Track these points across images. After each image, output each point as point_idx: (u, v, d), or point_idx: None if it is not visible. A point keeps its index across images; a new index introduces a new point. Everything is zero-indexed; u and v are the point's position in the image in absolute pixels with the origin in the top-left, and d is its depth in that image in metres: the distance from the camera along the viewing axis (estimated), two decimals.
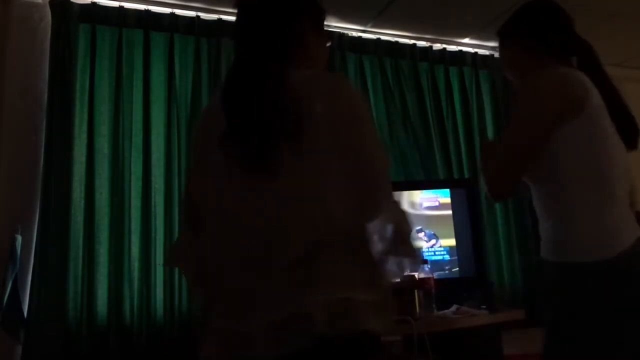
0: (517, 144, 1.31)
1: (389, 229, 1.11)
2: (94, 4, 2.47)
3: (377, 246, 1.11)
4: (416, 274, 2.26)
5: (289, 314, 1.00)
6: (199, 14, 2.66)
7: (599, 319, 1.22)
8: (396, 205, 1.16)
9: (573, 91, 1.27)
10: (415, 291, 2.17)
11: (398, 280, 1.22)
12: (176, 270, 2.34)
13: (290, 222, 1.05)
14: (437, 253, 2.52)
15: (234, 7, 1.22)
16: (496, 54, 3.35)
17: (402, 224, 1.12)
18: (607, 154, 1.28)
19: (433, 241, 2.53)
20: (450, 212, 2.58)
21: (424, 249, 2.51)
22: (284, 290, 1.03)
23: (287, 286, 1.03)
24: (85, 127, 2.37)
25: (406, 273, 1.22)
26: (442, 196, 2.60)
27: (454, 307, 2.28)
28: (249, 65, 1.12)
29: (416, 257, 1.16)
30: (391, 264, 1.11)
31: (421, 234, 2.54)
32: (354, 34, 2.99)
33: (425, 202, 2.58)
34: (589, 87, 1.29)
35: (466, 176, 3.03)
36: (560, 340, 1.28)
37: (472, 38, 3.22)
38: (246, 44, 1.15)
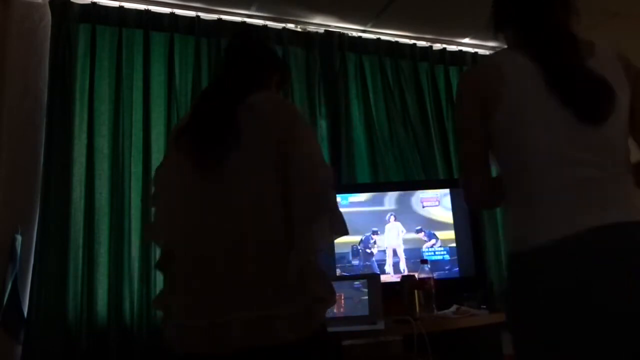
0: (461, 151, 1.38)
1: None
2: (93, 4, 2.47)
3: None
4: (416, 274, 2.27)
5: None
6: (199, 14, 2.66)
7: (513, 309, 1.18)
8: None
9: (484, 86, 1.21)
10: (415, 291, 2.17)
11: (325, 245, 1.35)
12: None
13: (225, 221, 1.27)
14: (437, 253, 2.52)
15: (225, 50, 1.60)
16: None
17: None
18: (528, 143, 1.16)
19: (433, 241, 2.53)
20: (450, 212, 2.58)
21: (423, 249, 2.51)
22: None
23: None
24: (85, 127, 2.38)
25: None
26: (442, 196, 2.60)
27: (454, 307, 2.28)
28: (223, 91, 1.42)
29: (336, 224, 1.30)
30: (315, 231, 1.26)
31: (421, 234, 2.54)
32: (354, 34, 2.99)
33: (425, 202, 2.58)
34: (505, 72, 1.18)
35: None
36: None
37: (472, 38, 3.22)
38: (225, 77, 1.49)
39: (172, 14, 2.62)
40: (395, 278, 2.39)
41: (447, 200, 2.59)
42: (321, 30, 2.91)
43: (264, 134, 1.30)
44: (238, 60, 1.51)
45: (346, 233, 1.32)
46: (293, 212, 1.26)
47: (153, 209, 1.50)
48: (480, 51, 3.30)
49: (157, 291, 2.31)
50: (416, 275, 2.27)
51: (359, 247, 2.49)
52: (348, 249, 2.48)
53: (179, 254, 1.32)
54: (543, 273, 1.09)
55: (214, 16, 2.68)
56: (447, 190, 2.61)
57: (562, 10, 1.26)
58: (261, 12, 2.75)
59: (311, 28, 2.90)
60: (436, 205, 2.59)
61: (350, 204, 2.54)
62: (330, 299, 1.32)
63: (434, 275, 2.30)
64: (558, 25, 1.23)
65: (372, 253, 2.50)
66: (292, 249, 1.24)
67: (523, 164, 1.18)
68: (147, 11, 2.56)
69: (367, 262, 2.49)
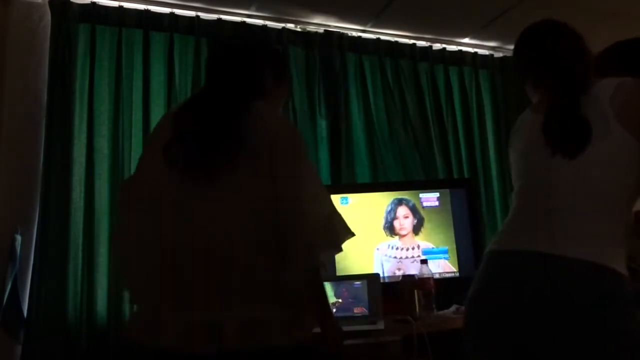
0: None
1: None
2: (93, 3, 2.47)
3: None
4: (416, 274, 2.27)
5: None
6: (199, 14, 2.66)
7: None
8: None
9: (510, 135, 1.52)
10: (415, 291, 2.17)
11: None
12: None
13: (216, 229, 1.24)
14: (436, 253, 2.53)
15: (210, 51, 1.53)
16: (496, 54, 3.36)
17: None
18: (517, 170, 1.40)
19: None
20: (450, 212, 2.58)
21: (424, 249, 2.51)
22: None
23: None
24: (85, 127, 2.37)
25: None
26: (442, 196, 2.60)
27: (454, 307, 2.28)
28: (217, 95, 1.37)
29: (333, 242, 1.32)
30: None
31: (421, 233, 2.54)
32: (354, 34, 2.99)
33: (425, 202, 2.58)
34: (517, 125, 1.48)
35: (466, 176, 3.03)
36: None
37: (472, 38, 3.22)
38: (216, 79, 1.42)
39: (172, 13, 2.62)
40: (395, 278, 2.39)
41: (447, 200, 2.59)
42: (321, 30, 2.91)
43: (262, 158, 1.28)
44: (240, 60, 1.45)
45: (351, 234, 1.34)
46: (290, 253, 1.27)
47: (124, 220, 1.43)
48: (480, 51, 3.30)
49: None
50: (416, 275, 2.27)
51: None
52: None
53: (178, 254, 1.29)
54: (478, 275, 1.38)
55: (214, 16, 2.68)
56: (447, 190, 2.61)
57: (567, 57, 1.39)
58: (261, 12, 2.75)
59: (311, 28, 2.90)
60: (436, 205, 2.59)
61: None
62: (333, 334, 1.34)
63: (434, 275, 2.31)
64: (560, 73, 1.36)
65: None
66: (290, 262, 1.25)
67: (515, 189, 1.41)
68: (147, 11, 2.56)
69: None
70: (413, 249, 2.52)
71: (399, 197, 2.57)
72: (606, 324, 1.13)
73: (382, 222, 2.53)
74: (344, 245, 1.34)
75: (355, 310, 2.13)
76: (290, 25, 2.85)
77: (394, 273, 2.46)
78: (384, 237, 2.51)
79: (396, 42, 3.06)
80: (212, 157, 1.26)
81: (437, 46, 3.19)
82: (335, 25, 2.92)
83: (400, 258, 2.50)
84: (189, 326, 1.19)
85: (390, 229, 2.53)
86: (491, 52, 3.34)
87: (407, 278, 2.26)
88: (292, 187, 1.28)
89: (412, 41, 3.10)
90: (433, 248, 2.52)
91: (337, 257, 2.33)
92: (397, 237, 2.52)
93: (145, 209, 1.33)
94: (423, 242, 2.53)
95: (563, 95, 1.30)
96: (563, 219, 1.22)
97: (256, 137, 1.28)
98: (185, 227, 1.26)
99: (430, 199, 2.59)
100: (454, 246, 2.54)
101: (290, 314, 1.25)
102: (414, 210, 2.55)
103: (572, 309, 1.15)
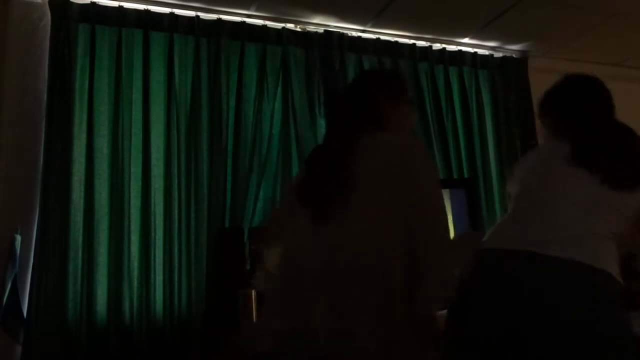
0: None
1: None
2: (93, 3, 2.47)
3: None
4: None
5: None
6: (199, 13, 2.66)
7: None
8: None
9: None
10: None
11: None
12: (175, 270, 2.36)
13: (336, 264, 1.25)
14: None
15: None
16: (495, 54, 3.36)
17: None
18: (520, 180, 1.46)
19: None
20: (450, 212, 2.58)
21: None
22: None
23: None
24: (84, 127, 2.37)
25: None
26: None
27: None
28: (331, 134, 1.44)
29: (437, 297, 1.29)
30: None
31: None
32: (354, 33, 2.99)
33: None
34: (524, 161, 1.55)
35: (466, 176, 3.03)
36: None
37: (471, 38, 3.22)
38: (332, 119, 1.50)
39: (172, 13, 2.62)
40: None
41: (447, 200, 2.59)
42: (321, 30, 2.91)
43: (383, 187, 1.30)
44: (350, 93, 1.48)
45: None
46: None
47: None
48: (480, 51, 3.30)
49: (157, 291, 2.32)
50: None
51: None
52: None
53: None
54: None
55: (214, 16, 2.68)
56: (447, 190, 2.61)
57: (584, 103, 1.46)
58: (261, 12, 2.75)
59: (311, 28, 2.90)
60: None
61: None
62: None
63: None
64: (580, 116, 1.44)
65: None
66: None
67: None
68: (147, 11, 2.56)
69: None
70: None
71: None
72: (596, 328, 1.15)
73: None
74: None
75: None
76: (290, 25, 2.85)
77: None
78: None
79: (396, 42, 3.06)
80: (325, 199, 1.31)
81: (436, 46, 3.19)
82: (335, 25, 2.92)
83: None
84: None
85: None
86: (491, 52, 3.34)
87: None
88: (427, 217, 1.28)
89: (411, 41, 3.10)
90: None
91: None
92: None
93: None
94: None
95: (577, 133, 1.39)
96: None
97: (365, 168, 1.29)
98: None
99: None
100: None
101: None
102: None
103: (564, 311, 1.17)
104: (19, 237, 2.18)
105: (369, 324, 1.20)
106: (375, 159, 1.31)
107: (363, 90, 1.45)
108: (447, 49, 3.20)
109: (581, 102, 1.46)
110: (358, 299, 1.21)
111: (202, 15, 2.66)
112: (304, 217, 1.34)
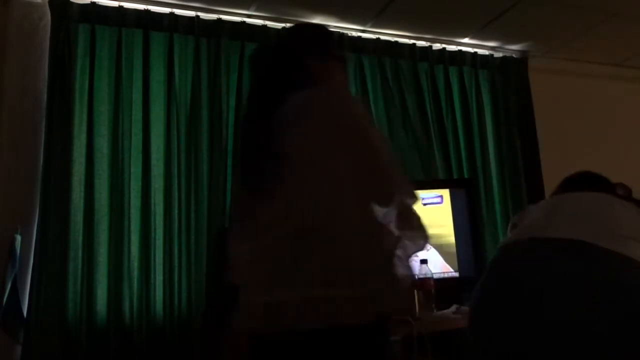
0: None
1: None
2: (93, 3, 2.47)
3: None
4: (416, 274, 2.26)
5: None
6: (199, 13, 2.66)
7: None
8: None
9: None
10: (415, 291, 2.17)
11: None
12: (175, 270, 2.35)
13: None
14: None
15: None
16: (496, 54, 3.36)
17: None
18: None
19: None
20: (450, 212, 2.58)
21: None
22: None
23: None
24: (84, 127, 2.37)
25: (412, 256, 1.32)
26: (442, 196, 2.60)
27: (453, 307, 2.28)
28: (255, 94, 1.35)
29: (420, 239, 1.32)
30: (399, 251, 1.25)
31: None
32: (354, 33, 2.98)
33: (425, 202, 2.58)
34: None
35: (466, 176, 3.03)
36: None
37: (471, 38, 3.22)
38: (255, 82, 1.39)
39: (172, 13, 2.61)
40: None
41: (447, 200, 2.59)
42: None
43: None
44: (276, 55, 1.36)
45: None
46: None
47: None
48: (480, 51, 3.30)
49: (157, 291, 2.32)
50: (416, 275, 2.27)
51: None
52: None
53: None
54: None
55: (214, 16, 2.68)
56: (447, 190, 2.61)
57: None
58: (261, 12, 2.75)
59: None
60: (436, 205, 2.59)
61: None
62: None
63: (434, 275, 2.31)
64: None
65: None
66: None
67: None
68: (147, 11, 2.56)
69: None
70: None
71: None
72: None
73: None
74: None
75: None
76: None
77: None
78: None
79: (396, 42, 3.06)
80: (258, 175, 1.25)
81: (437, 46, 3.19)
82: (335, 25, 2.92)
83: None
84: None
85: None
86: (491, 52, 3.34)
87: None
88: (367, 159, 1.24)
89: (411, 41, 3.10)
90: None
91: None
92: None
93: None
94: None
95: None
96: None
97: (292, 136, 1.20)
98: None
99: (430, 199, 2.59)
100: (454, 246, 2.54)
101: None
102: None
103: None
104: (19, 237, 2.18)
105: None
106: (300, 123, 1.21)
107: (285, 47, 1.36)
108: (447, 49, 3.20)
109: None
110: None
111: (202, 15, 2.66)
112: (247, 196, 1.29)
